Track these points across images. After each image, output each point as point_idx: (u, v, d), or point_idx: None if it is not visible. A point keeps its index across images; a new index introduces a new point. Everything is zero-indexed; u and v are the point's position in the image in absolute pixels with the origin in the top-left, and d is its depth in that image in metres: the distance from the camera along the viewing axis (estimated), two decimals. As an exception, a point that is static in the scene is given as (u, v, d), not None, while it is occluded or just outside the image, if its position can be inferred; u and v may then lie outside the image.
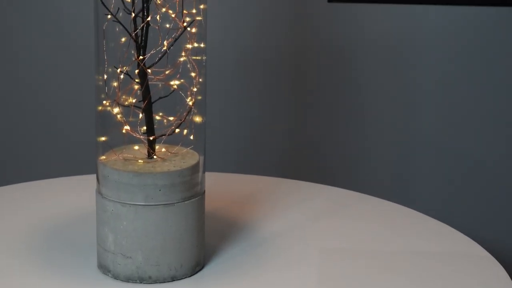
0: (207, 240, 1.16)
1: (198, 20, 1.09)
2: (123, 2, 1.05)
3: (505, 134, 2.04)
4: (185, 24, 1.07)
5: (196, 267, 1.11)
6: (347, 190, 1.49)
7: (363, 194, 1.46)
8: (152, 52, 1.06)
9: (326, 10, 2.03)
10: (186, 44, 1.08)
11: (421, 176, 2.09)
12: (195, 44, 1.09)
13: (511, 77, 2.01)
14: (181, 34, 1.07)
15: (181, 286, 1.07)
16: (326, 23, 2.04)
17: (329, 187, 1.51)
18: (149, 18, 1.05)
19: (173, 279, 1.08)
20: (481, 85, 2.03)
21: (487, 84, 2.02)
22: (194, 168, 1.09)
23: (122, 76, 1.07)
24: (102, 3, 1.05)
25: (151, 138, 1.09)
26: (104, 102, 1.09)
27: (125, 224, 1.05)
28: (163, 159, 1.09)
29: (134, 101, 1.09)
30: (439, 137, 2.06)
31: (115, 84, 1.08)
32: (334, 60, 2.06)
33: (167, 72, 1.08)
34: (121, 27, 1.06)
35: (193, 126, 1.11)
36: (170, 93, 1.09)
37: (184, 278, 1.09)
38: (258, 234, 1.25)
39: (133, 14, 1.05)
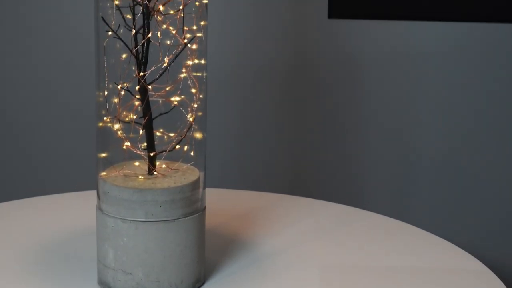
0: (208, 256, 1.16)
1: (198, 36, 1.09)
2: (124, 19, 1.06)
3: (505, 151, 2.04)
4: (185, 40, 1.07)
5: (197, 283, 1.10)
6: (347, 206, 1.49)
7: (363, 210, 1.46)
8: (152, 68, 1.06)
9: (326, 26, 2.04)
10: (186, 61, 1.09)
11: (421, 192, 2.09)
12: (196, 61, 1.09)
13: None
14: (181, 50, 1.07)
15: (182, 303, 1.07)
16: (326, 39, 2.05)
17: (329, 203, 1.51)
18: (149, 35, 1.05)
19: (174, 295, 1.08)
20: (482, 101, 2.03)
21: (488, 100, 2.03)
22: (195, 184, 1.09)
23: (122, 93, 1.07)
24: (103, 20, 1.06)
25: (151, 154, 1.09)
26: (105, 118, 1.09)
27: (125, 240, 1.05)
28: (164, 175, 1.09)
29: (134, 117, 1.09)
30: (440, 153, 2.06)
31: (116, 100, 1.08)
32: (334, 76, 2.07)
33: (167, 89, 1.08)
34: (121, 43, 1.06)
35: (193, 142, 1.11)
36: (171, 109, 1.09)
37: (185, 294, 1.09)
38: (258, 250, 1.24)
39: (134, 31, 1.05)
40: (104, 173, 1.10)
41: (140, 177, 1.08)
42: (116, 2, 1.05)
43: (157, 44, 1.06)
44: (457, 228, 2.07)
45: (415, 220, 1.65)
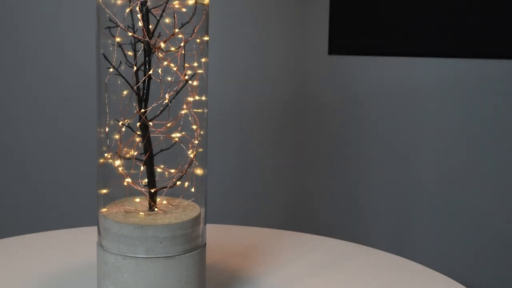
0: (208, 292, 1.15)
1: (199, 73, 1.10)
2: (125, 56, 1.06)
3: (505, 186, 2.03)
4: (186, 77, 1.08)
5: (197, 320, 1.10)
6: (348, 242, 1.48)
7: (364, 246, 1.46)
8: (153, 105, 1.06)
9: (327, 62, 2.05)
10: (187, 97, 1.09)
11: (421, 228, 2.08)
12: (197, 97, 1.10)
13: (511, 129, 2.02)
14: (182, 87, 1.08)
15: None
16: (326, 74, 2.06)
17: (331, 239, 1.50)
18: (151, 71, 1.05)
19: (174, 332, 1.07)
20: (480, 137, 2.03)
21: (486, 136, 2.03)
22: (195, 221, 1.08)
23: (123, 129, 1.07)
24: (105, 56, 1.06)
25: (152, 191, 1.09)
26: (106, 154, 1.09)
27: (126, 277, 1.05)
28: (164, 212, 1.09)
29: (135, 153, 1.09)
30: (439, 189, 2.06)
31: (117, 136, 1.08)
32: (334, 112, 2.07)
33: (168, 125, 1.08)
34: (123, 80, 1.06)
35: (194, 179, 1.11)
36: (172, 146, 1.10)
37: (185, 331, 1.08)
38: (259, 287, 1.24)
39: (135, 68, 1.06)
40: (105, 209, 1.10)
41: (140, 213, 1.08)
42: (118, 39, 1.06)
43: (158, 80, 1.07)
44: (458, 264, 2.06)
45: (415, 256, 1.64)
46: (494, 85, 2.02)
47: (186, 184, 1.11)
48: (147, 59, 1.06)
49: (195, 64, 1.09)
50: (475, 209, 2.06)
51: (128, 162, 1.09)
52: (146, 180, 1.09)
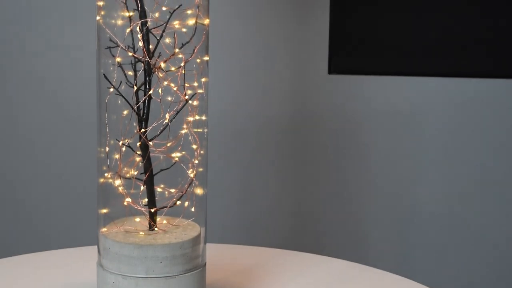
0: (208, 312, 1.15)
1: (199, 93, 1.10)
2: (126, 76, 1.07)
3: (504, 206, 2.03)
4: (186, 97, 1.08)
5: None
6: (349, 262, 1.48)
7: (365, 266, 1.45)
8: (154, 124, 1.07)
9: (326, 81, 2.05)
10: (187, 117, 1.09)
11: (421, 248, 2.08)
12: (197, 117, 1.10)
13: None
14: (182, 107, 1.08)
15: None
16: (326, 94, 2.06)
17: (331, 258, 1.50)
18: (151, 91, 1.06)
19: None
20: (483, 157, 2.03)
21: (488, 157, 2.03)
22: (195, 240, 1.08)
23: (124, 149, 1.07)
24: (105, 76, 1.07)
25: (152, 210, 1.09)
26: (106, 174, 1.09)
27: (125, 297, 1.05)
28: (164, 231, 1.09)
29: (135, 173, 1.09)
30: (441, 209, 2.06)
31: (117, 156, 1.08)
32: (334, 131, 2.07)
33: (168, 145, 1.09)
34: (123, 100, 1.07)
35: (194, 198, 1.11)
36: (172, 165, 1.10)
37: None
38: (259, 307, 1.24)
39: (135, 87, 1.06)
40: (105, 229, 1.09)
41: (141, 233, 1.08)
42: (118, 59, 1.06)
43: (158, 100, 1.07)
44: (459, 284, 2.06)
45: (416, 275, 1.64)
46: (495, 104, 2.02)
47: (186, 203, 1.11)
48: (147, 79, 1.06)
49: (195, 84, 1.09)
50: (475, 228, 2.06)
51: (128, 182, 1.09)
52: (146, 199, 1.09)
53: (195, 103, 1.09)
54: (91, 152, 2.00)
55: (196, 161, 1.11)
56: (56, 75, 2.11)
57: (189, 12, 1.07)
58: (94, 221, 1.12)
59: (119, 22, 1.06)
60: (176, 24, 1.07)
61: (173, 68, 1.07)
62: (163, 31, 1.06)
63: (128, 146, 1.07)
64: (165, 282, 1.05)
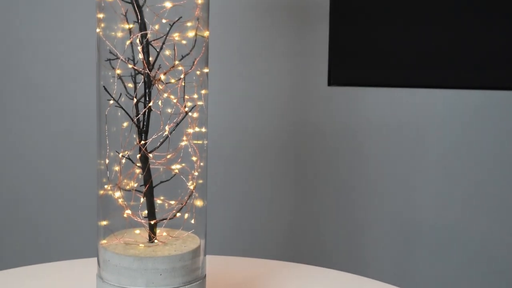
0: (208, 325, 1.14)
1: (199, 105, 1.10)
2: (125, 88, 1.07)
3: (505, 218, 2.03)
4: (186, 109, 1.08)
5: None
6: (349, 274, 1.48)
7: (364, 278, 1.45)
8: (153, 136, 1.07)
9: (326, 93, 2.06)
10: (187, 129, 1.09)
11: (421, 260, 2.08)
12: (197, 129, 1.10)
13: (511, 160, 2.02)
14: (182, 119, 1.08)
15: None
16: (326, 106, 2.06)
17: (331, 270, 1.50)
18: (151, 103, 1.06)
19: None
20: (483, 169, 2.03)
21: (489, 168, 2.03)
22: (195, 252, 1.08)
23: (123, 161, 1.07)
24: (105, 88, 1.07)
25: (152, 222, 1.09)
26: (106, 186, 1.09)
27: (125, 309, 1.05)
28: (164, 243, 1.09)
29: (135, 185, 1.09)
30: (440, 221, 2.06)
31: (117, 168, 1.08)
32: (334, 143, 2.07)
33: (168, 157, 1.09)
34: (123, 112, 1.07)
35: (194, 210, 1.11)
36: (172, 177, 1.10)
37: None
38: (259, 319, 1.23)
39: (135, 100, 1.06)
40: (105, 241, 1.09)
41: (140, 245, 1.08)
42: (118, 71, 1.06)
43: (158, 112, 1.07)
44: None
45: (417, 287, 1.64)
46: (495, 116, 2.02)
47: (186, 215, 1.11)
48: (147, 91, 1.06)
49: (195, 96, 1.10)
50: (476, 241, 2.05)
51: (128, 194, 1.09)
52: (146, 211, 1.09)
53: (195, 115, 1.10)
54: (91, 164, 2.00)
55: (196, 173, 1.11)
56: (56, 87, 2.12)
57: (189, 24, 1.08)
58: (93, 233, 1.12)
59: (119, 34, 1.06)
60: (176, 36, 1.07)
61: (173, 80, 1.07)
62: (163, 43, 1.06)
63: (128, 158, 1.07)
64: (165, 294, 1.05)
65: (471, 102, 2.02)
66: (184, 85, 1.08)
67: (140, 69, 1.06)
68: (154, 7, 1.05)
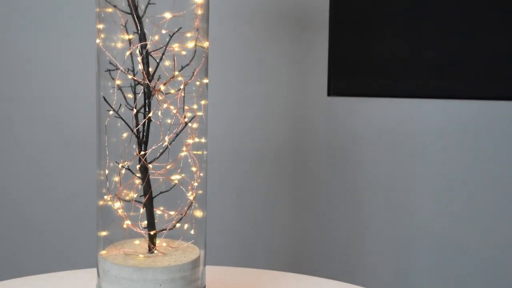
0: (208, 335, 1.14)
1: (199, 115, 1.10)
2: (125, 98, 1.07)
3: (504, 228, 2.03)
4: (186, 119, 1.08)
5: None
6: (348, 284, 1.48)
7: (364, 288, 1.45)
8: (153, 147, 1.07)
9: (326, 103, 2.06)
10: (187, 139, 1.10)
11: (421, 271, 2.08)
12: (196, 139, 1.10)
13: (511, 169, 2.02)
14: (182, 129, 1.08)
15: None
16: (325, 116, 2.06)
17: (330, 280, 1.50)
18: (150, 114, 1.06)
19: None
20: (482, 179, 2.03)
21: (488, 178, 2.03)
22: (195, 263, 1.08)
23: (123, 171, 1.08)
24: (105, 99, 1.07)
25: (151, 233, 1.09)
26: (105, 196, 1.09)
27: (125, 320, 1.04)
28: (164, 254, 1.09)
29: (135, 195, 1.09)
30: (441, 231, 2.06)
31: (117, 179, 1.08)
32: (333, 154, 2.07)
33: (168, 167, 1.09)
34: (122, 122, 1.07)
35: (194, 221, 1.11)
36: (171, 188, 1.10)
37: None
38: (259, 329, 1.23)
39: (135, 110, 1.06)
40: (104, 252, 1.09)
41: (140, 255, 1.08)
42: (118, 82, 1.06)
43: (158, 123, 1.07)
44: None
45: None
46: (494, 127, 2.02)
47: (186, 226, 1.11)
48: (147, 101, 1.06)
49: (195, 107, 1.10)
50: (474, 251, 2.05)
51: (128, 204, 1.09)
52: (145, 222, 1.09)
53: (195, 125, 1.10)
54: (91, 175, 2.00)
55: (196, 184, 1.11)
56: (55, 98, 2.12)
57: (188, 35, 1.08)
58: (93, 243, 1.12)
59: (119, 45, 1.07)
60: (175, 46, 1.07)
61: (172, 91, 1.07)
62: (163, 53, 1.06)
63: (128, 169, 1.07)
64: (164, 305, 1.04)
65: (471, 112, 2.02)
66: (183, 96, 1.08)
67: (140, 80, 1.06)
68: (154, 17, 1.06)
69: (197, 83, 1.10)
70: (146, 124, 1.06)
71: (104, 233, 1.10)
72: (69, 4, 2.10)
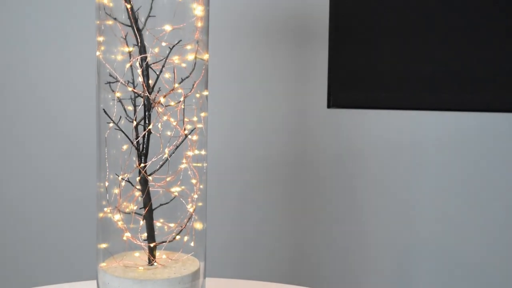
0: None
1: (199, 127, 1.10)
2: (125, 111, 1.07)
3: (505, 237, 2.03)
4: (186, 131, 1.08)
5: None
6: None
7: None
8: (153, 159, 1.07)
9: (326, 115, 2.06)
10: (187, 151, 1.10)
11: (422, 280, 2.07)
12: (196, 151, 1.10)
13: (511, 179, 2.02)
14: (182, 141, 1.08)
15: None
16: (326, 128, 2.07)
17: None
18: (150, 126, 1.06)
19: None
20: (484, 192, 2.03)
21: (490, 191, 2.03)
22: (195, 275, 1.08)
23: (123, 183, 1.07)
24: (105, 111, 1.07)
25: (151, 245, 1.09)
26: (105, 209, 1.09)
27: (124, 332, 1.04)
28: (164, 266, 1.09)
29: (135, 208, 1.09)
30: (440, 239, 2.06)
31: (116, 191, 1.08)
32: (334, 165, 2.07)
33: (168, 179, 1.09)
34: (122, 134, 1.07)
35: (193, 233, 1.11)
36: (171, 200, 1.10)
37: None
38: None
39: (135, 122, 1.06)
40: (104, 264, 1.09)
41: (140, 267, 1.08)
42: (118, 94, 1.06)
43: (158, 135, 1.07)
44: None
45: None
46: (496, 139, 2.02)
47: (186, 238, 1.11)
48: (147, 113, 1.06)
49: (195, 119, 1.10)
50: (475, 265, 2.05)
51: (128, 216, 1.09)
52: (145, 234, 1.09)
53: (195, 137, 1.10)
54: (91, 187, 2.00)
55: (196, 196, 1.11)
56: (56, 110, 2.12)
57: (188, 47, 1.08)
58: (93, 255, 1.12)
59: (119, 57, 1.07)
60: (175, 59, 1.07)
61: (172, 103, 1.07)
62: (163, 66, 1.06)
63: (128, 181, 1.07)
64: (164, 317, 1.04)
65: (470, 124, 2.02)
66: (183, 108, 1.08)
67: (140, 92, 1.06)
68: (154, 30, 1.06)
69: (197, 95, 1.10)
70: (146, 136, 1.06)
71: (104, 245, 1.10)
72: (70, 17, 2.10)
